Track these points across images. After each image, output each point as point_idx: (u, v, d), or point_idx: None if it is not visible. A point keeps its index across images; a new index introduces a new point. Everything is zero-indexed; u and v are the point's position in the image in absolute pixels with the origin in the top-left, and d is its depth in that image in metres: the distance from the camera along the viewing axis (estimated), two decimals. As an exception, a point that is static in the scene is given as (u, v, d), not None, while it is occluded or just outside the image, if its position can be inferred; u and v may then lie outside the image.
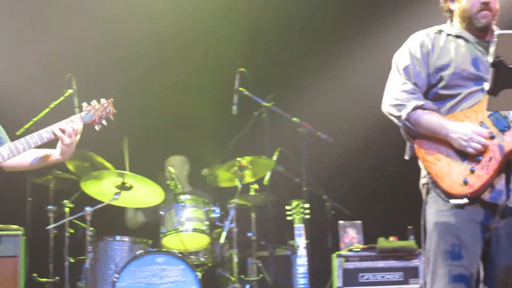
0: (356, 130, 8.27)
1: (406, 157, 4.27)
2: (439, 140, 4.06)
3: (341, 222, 7.66)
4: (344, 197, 8.02)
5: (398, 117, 4.16)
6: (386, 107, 4.24)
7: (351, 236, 7.62)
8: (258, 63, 8.39)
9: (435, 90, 4.20)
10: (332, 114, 8.36)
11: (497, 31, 3.79)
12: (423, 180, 4.20)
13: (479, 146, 3.93)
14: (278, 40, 8.82)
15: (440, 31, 4.32)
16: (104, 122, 4.60)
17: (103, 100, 4.60)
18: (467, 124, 4.00)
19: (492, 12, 4.18)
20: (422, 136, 4.12)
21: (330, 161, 8.34)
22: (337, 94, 8.56)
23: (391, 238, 7.36)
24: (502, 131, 3.98)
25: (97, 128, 4.58)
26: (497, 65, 3.35)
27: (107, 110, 4.60)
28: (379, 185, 8.57)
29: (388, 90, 4.27)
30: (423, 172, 4.17)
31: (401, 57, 4.30)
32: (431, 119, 4.09)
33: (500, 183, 3.98)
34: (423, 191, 4.20)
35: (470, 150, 3.95)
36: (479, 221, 4.00)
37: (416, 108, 4.12)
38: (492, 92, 3.43)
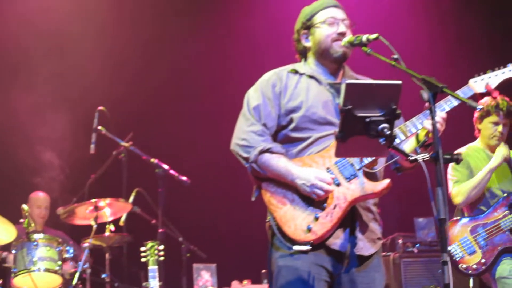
0: (213, 172, 8.34)
1: (253, 199, 4.22)
2: (286, 185, 4.03)
3: (195, 264, 7.67)
4: (200, 240, 8.02)
5: (246, 159, 4.10)
6: (234, 147, 4.18)
7: (205, 279, 7.64)
8: (118, 102, 8.35)
9: (285, 131, 4.16)
10: (189, 156, 8.39)
11: (347, 80, 3.91)
12: (268, 224, 4.12)
13: (321, 193, 3.92)
14: (139, 78, 8.82)
15: (293, 71, 4.29)
16: None
17: None
18: (312, 170, 3.98)
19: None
20: (269, 179, 4.08)
21: (187, 203, 8.35)
22: (197, 137, 8.62)
23: (245, 282, 7.42)
24: (348, 179, 4.01)
25: None
26: (346, 112, 3.43)
27: None
28: (234, 228, 8.64)
29: (237, 129, 4.21)
30: (269, 216, 4.08)
31: (253, 96, 4.24)
32: (278, 163, 4.04)
33: (345, 231, 4.02)
34: (269, 234, 4.14)
35: (313, 196, 3.94)
36: (323, 265, 4.00)
37: (263, 151, 4.07)
38: (340, 138, 3.49)
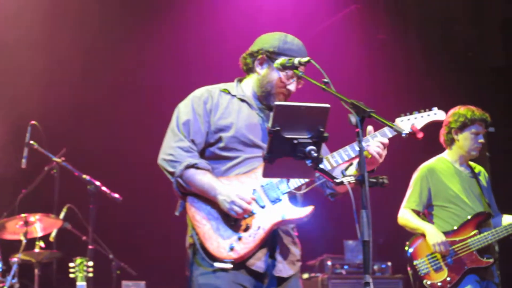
0: (146, 189, 8.32)
1: (176, 213, 4.24)
2: (211, 202, 4.06)
3: (124, 282, 7.64)
4: (130, 257, 7.99)
5: (172, 173, 4.12)
6: (161, 162, 4.18)
7: (134, 296, 7.62)
8: (51, 115, 8.29)
9: (213, 149, 4.20)
10: (122, 173, 8.36)
11: (276, 101, 3.97)
12: (190, 240, 4.13)
13: (239, 210, 3.95)
14: (74, 92, 8.77)
15: (226, 91, 4.32)
16: None
17: None
18: (235, 188, 4.03)
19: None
20: (194, 195, 4.09)
21: (118, 220, 8.31)
22: (131, 154, 8.59)
23: (172, 299, 7.43)
24: (273, 202, 4.07)
25: None
26: (274, 134, 3.48)
27: None
28: (164, 245, 8.61)
29: (164, 144, 4.22)
30: (191, 231, 4.10)
31: (183, 111, 4.25)
32: (202, 178, 4.07)
33: (266, 253, 4.07)
34: (190, 251, 4.14)
35: (232, 213, 3.97)
36: (243, 285, 4.02)
37: (189, 166, 4.09)
38: (268, 159, 3.54)
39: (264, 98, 4.30)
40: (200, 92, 4.33)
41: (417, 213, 6.31)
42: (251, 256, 4.02)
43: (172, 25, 9.27)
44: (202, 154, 4.25)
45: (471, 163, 6.35)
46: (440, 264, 6.04)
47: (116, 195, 7.46)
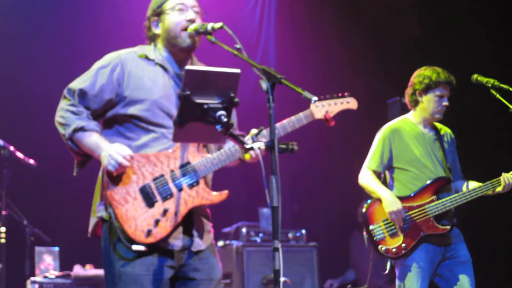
0: (60, 155, 8.19)
1: (74, 174, 4.25)
2: (130, 181, 4.02)
3: (37, 248, 7.57)
4: (44, 223, 7.92)
5: (63, 136, 4.12)
6: (55, 123, 4.17)
7: (47, 262, 7.55)
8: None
9: (127, 123, 4.16)
10: (37, 138, 8.25)
11: (187, 65, 3.97)
12: (102, 214, 4.09)
13: (115, 164, 3.93)
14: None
15: (143, 56, 4.26)
16: None
17: None
18: (117, 145, 4.00)
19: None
20: (113, 177, 4.03)
21: (33, 185, 8.21)
22: (45, 120, 8.46)
23: (88, 266, 7.40)
24: (190, 185, 4.06)
25: None
26: (184, 98, 3.51)
27: None
28: (79, 212, 8.49)
29: (60, 103, 4.18)
30: (108, 207, 4.04)
31: (85, 77, 4.20)
32: (89, 139, 4.06)
33: (182, 231, 4.09)
34: (104, 228, 4.10)
35: (110, 167, 3.94)
36: (163, 265, 4.05)
37: (77, 129, 4.07)
38: (178, 123, 3.57)
39: (175, 46, 4.24)
40: (109, 58, 4.26)
41: (378, 174, 6.13)
42: (168, 236, 4.04)
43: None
44: (111, 125, 4.22)
45: (437, 124, 6.19)
46: (395, 230, 5.86)
47: (31, 161, 7.38)
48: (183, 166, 4.09)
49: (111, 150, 3.97)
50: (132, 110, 4.14)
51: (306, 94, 3.60)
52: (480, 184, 5.91)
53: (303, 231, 8.75)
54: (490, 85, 5.45)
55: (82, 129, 4.08)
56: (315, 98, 3.62)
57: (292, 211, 10.02)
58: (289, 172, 9.60)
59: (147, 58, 4.27)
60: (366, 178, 6.06)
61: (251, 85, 8.18)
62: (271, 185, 3.49)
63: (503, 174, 5.86)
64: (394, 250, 5.83)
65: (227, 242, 8.42)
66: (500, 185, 5.85)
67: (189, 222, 4.13)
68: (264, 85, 3.55)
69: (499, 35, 9.08)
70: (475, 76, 5.57)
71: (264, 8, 10.20)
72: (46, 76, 8.47)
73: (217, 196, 4.13)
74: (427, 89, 5.98)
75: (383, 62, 9.46)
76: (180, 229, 4.09)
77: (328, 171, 10.32)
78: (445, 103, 5.99)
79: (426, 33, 9.50)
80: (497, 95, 5.37)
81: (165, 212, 4.00)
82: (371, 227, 5.95)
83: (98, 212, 4.13)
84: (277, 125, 4.17)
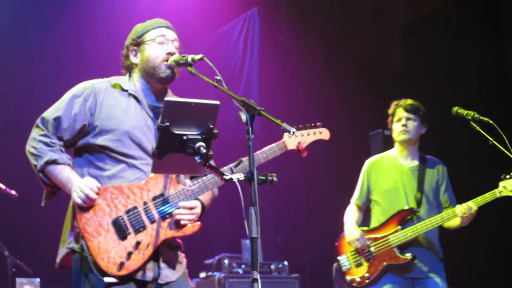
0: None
1: (42, 204, 4.27)
2: (103, 213, 4.00)
3: (18, 279, 7.53)
4: (26, 254, 7.87)
5: (34, 166, 4.12)
6: (27, 152, 4.16)
7: (28, 293, 7.51)
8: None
9: (98, 153, 4.15)
10: (18, 169, 8.21)
11: (166, 97, 3.99)
12: (75, 245, 4.08)
13: (83, 196, 3.92)
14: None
15: (117, 86, 4.27)
16: None
17: None
18: (87, 178, 4.01)
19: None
20: (85, 209, 4.00)
21: (14, 217, 8.18)
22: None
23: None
24: (163, 217, 4.07)
25: None
26: (163, 129, 3.51)
27: None
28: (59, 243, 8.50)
29: (32, 133, 4.17)
30: (79, 240, 4.02)
31: (58, 105, 4.20)
32: (61, 173, 4.05)
33: (153, 262, 4.08)
34: (75, 259, 4.09)
35: (78, 200, 3.94)
36: None
37: (49, 162, 4.06)
38: (157, 155, 3.57)
39: (153, 76, 4.25)
40: (82, 88, 4.26)
41: (361, 208, 6.36)
42: (140, 268, 4.02)
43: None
44: (81, 154, 4.21)
45: (430, 157, 6.36)
46: (361, 261, 6.11)
47: (13, 192, 7.36)
48: (156, 198, 4.09)
49: (80, 183, 3.97)
50: (102, 140, 4.15)
51: (285, 125, 3.60)
52: (442, 214, 6.01)
53: (285, 263, 8.72)
54: (470, 117, 5.51)
55: (54, 162, 4.08)
56: (294, 129, 3.63)
57: (275, 243, 9.99)
58: (272, 204, 9.61)
59: (121, 88, 4.28)
60: (346, 213, 6.33)
61: (234, 116, 8.19)
62: (250, 216, 3.46)
63: (457, 205, 5.95)
64: (358, 280, 6.08)
65: (209, 273, 8.37)
66: (455, 215, 5.93)
67: (159, 254, 4.11)
68: (244, 116, 3.54)
69: (481, 69, 9.13)
70: (455, 108, 5.63)
71: (247, 40, 10.23)
72: (26, 103, 8.47)
73: (189, 228, 4.13)
74: (391, 122, 6.29)
75: (367, 93, 9.49)
76: (152, 260, 4.07)
77: (311, 203, 10.30)
78: (402, 123, 6.18)
79: (410, 65, 9.55)
80: (477, 128, 5.42)
81: (137, 244, 4.00)
82: (339, 258, 6.24)
83: (68, 243, 4.13)
84: (274, 145, 4.29)
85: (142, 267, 4.02)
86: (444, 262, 6.15)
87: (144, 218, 4.04)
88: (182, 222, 4.08)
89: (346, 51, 9.86)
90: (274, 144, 4.31)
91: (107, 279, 3.94)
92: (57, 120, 4.15)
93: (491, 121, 5.41)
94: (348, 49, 9.84)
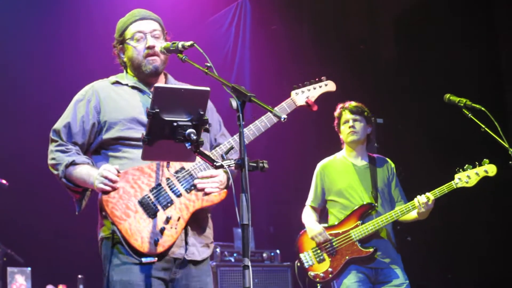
0: (33, 175, 8.17)
1: (77, 213, 4.23)
2: (128, 195, 3.99)
3: (9, 268, 7.53)
4: (17, 244, 7.86)
5: (57, 176, 4.14)
6: (49, 166, 4.20)
7: (19, 283, 7.51)
8: None
9: (115, 145, 4.17)
10: (9, 158, 8.20)
11: (156, 84, 3.94)
12: (106, 232, 4.08)
13: (106, 181, 3.94)
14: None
15: (116, 82, 4.31)
16: None
17: None
18: (105, 165, 4.01)
19: (159, 57, 4.24)
20: (110, 195, 3.99)
21: (5, 205, 8.14)
22: (19, 140, 8.43)
23: (60, 286, 7.36)
24: (189, 189, 4.07)
25: None
26: (153, 116, 3.49)
27: None
28: (52, 232, 8.49)
29: (49, 148, 4.21)
30: (110, 226, 4.00)
31: (65, 114, 4.27)
32: (81, 171, 4.07)
33: (183, 239, 4.08)
34: (106, 245, 4.08)
35: (100, 186, 3.95)
36: (161, 276, 4.03)
37: (68, 165, 4.09)
38: (147, 142, 3.56)
39: (140, 73, 4.29)
40: (84, 91, 4.33)
41: (317, 209, 6.53)
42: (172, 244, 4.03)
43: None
44: (99, 152, 4.24)
45: (377, 156, 6.55)
46: (323, 256, 6.23)
47: (3, 181, 7.34)
48: (178, 172, 4.10)
49: (99, 171, 3.99)
50: (114, 132, 4.17)
51: (276, 111, 3.61)
52: (402, 207, 6.15)
53: (278, 251, 8.72)
54: (462, 104, 5.53)
55: (72, 163, 4.10)
56: (285, 116, 3.61)
57: (267, 232, 9.99)
58: (265, 194, 9.61)
59: (119, 83, 4.32)
60: (303, 215, 6.56)
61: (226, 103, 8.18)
62: (241, 203, 3.44)
63: (416, 197, 6.06)
64: (321, 275, 6.21)
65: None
66: (414, 207, 6.07)
67: (188, 230, 4.12)
68: (234, 103, 3.54)
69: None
70: (447, 95, 5.65)
71: (239, 28, 10.20)
72: (17, 94, 8.45)
73: (216, 196, 4.13)
74: (339, 125, 6.46)
75: (359, 82, 9.48)
76: (182, 236, 4.08)
77: (304, 191, 10.29)
78: (350, 124, 6.34)
79: (402, 55, 9.55)
80: (469, 115, 5.43)
81: (168, 220, 4.00)
82: (301, 255, 6.36)
83: (99, 235, 4.16)
84: (263, 117, 4.25)
85: (175, 244, 4.02)
86: (400, 254, 6.31)
87: (170, 193, 4.05)
88: (207, 190, 4.08)
89: (337, 39, 9.85)
90: (283, 103, 4.35)
91: (145, 260, 3.94)
92: (67, 126, 4.21)
93: (483, 108, 5.42)
94: (340, 38, 9.82)
